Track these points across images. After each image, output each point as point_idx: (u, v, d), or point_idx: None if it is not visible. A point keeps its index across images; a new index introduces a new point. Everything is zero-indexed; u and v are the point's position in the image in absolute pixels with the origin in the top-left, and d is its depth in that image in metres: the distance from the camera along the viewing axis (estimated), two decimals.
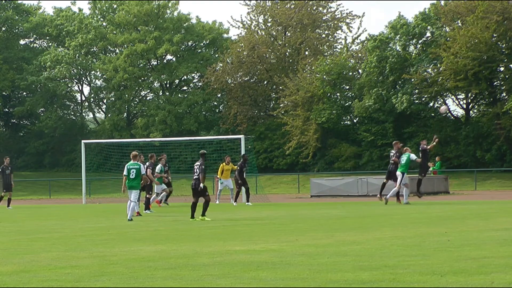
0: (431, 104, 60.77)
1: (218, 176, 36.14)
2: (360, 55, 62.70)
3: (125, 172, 24.01)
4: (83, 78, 79.32)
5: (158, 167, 32.64)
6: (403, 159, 30.41)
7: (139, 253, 13.20)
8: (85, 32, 74.64)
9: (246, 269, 10.61)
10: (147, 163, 28.98)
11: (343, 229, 17.99)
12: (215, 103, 73.90)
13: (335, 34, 68.22)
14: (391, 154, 31.21)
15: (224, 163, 35.69)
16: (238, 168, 34.59)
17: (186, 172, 50.96)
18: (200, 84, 72.99)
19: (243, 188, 35.21)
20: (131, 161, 24.21)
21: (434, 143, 32.35)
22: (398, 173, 30.30)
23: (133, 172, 23.88)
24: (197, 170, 23.23)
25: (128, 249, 13.98)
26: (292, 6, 67.10)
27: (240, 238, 15.98)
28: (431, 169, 51.03)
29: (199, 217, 22.73)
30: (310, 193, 43.74)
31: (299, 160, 62.42)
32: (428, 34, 58.54)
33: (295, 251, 12.86)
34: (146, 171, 26.89)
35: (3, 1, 79.62)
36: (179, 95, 73.31)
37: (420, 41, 58.55)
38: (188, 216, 26.08)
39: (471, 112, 60.59)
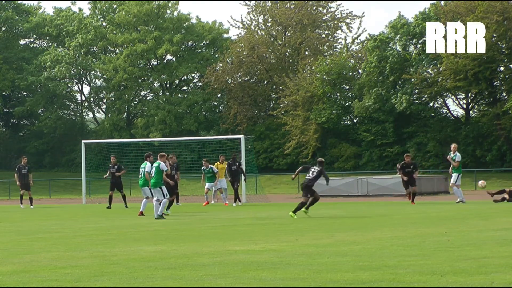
0: (431, 104, 60.81)
1: None
2: (360, 55, 62.72)
3: (148, 170, 24.77)
4: (83, 78, 79.33)
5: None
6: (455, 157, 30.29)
7: (139, 253, 13.20)
8: (84, 32, 74.65)
9: (246, 269, 10.61)
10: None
11: (343, 229, 17.99)
12: (215, 103, 73.94)
13: (335, 34, 68.26)
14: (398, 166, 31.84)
15: (218, 162, 35.64)
16: (227, 166, 34.56)
17: (186, 172, 50.99)
18: (200, 84, 73.02)
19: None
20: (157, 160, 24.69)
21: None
22: (455, 174, 30.10)
23: (153, 170, 24.41)
24: (314, 173, 23.79)
25: (128, 249, 13.97)
26: (292, 6, 67.10)
27: (240, 238, 15.98)
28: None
29: (303, 211, 23.30)
30: None
31: (299, 160, 62.40)
32: None
33: (295, 251, 12.86)
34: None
35: (3, 1, 79.61)
36: (179, 95, 73.35)
37: (420, 41, 58.55)
38: (188, 215, 26.11)
39: (471, 112, 60.62)
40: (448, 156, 31.01)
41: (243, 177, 35.47)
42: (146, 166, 26.38)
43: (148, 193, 26.30)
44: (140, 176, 26.76)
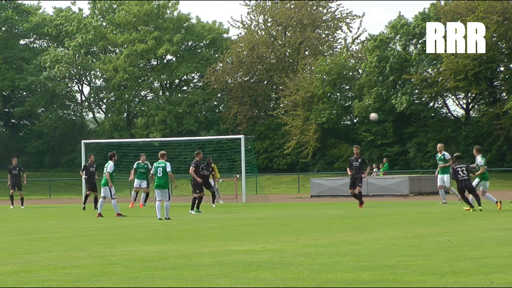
0: (431, 104, 60.82)
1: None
2: (360, 55, 62.70)
3: (152, 171, 24.21)
4: (83, 78, 79.35)
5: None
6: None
7: (139, 253, 13.20)
8: (84, 32, 74.65)
9: (246, 269, 10.61)
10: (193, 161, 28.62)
11: (343, 229, 17.99)
12: (215, 103, 73.94)
13: (335, 34, 68.22)
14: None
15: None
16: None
17: (185, 172, 50.92)
18: (200, 84, 73.03)
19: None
20: (159, 160, 24.06)
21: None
22: (446, 176, 29.29)
23: (159, 170, 23.73)
24: (464, 171, 24.49)
25: (128, 249, 13.97)
26: (292, 6, 67.09)
27: (240, 238, 15.98)
28: (380, 170, 51.34)
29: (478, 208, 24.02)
30: (310, 193, 43.75)
31: (299, 160, 62.40)
32: None
33: (295, 251, 12.86)
34: (190, 169, 27.60)
35: (3, 1, 79.62)
36: (179, 95, 73.33)
37: (420, 41, 58.55)
38: (188, 215, 26.18)
39: (471, 112, 60.63)
40: (443, 163, 29.57)
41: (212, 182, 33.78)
42: (108, 166, 26.33)
43: (107, 194, 26.22)
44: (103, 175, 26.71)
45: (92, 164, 32.89)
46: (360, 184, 29.26)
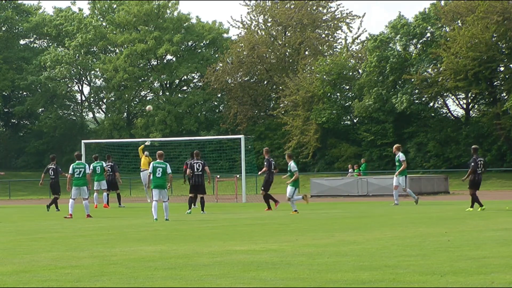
0: (431, 104, 60.83)
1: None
2: (360, 55, 62.72)
3: (150, 170, 23.52)
4: (83, 78, 79.35)
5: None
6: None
7: (139, 253, 13.20)
8: (84, 32, 74.68)
9: (246, 269, 10.61)
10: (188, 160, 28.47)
11: (343, 229, 17.99)
12: (215, 103, 73.96)
13: (335, 34, 68.25)
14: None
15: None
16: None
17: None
18: (200, 84, 73.06)
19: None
20: (157, 160, 23.65)
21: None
22: (402, 177, 29.47)
23: (159, 171, 23.31)
24: (482, 164, 24.82)
25: (128, 249, 13.97)
26: (292, 6, 67.12)
27: (240, 238, 15.98)
28: (355, 171, 51.39)
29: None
30: (310, 193, 43.72)
31: (299, 160, 62.35)
32: (428, 34, 58.58)
33: (295, 251, 12.86)
34: (207, 169, 27.14)
35: (3, 1, 79.62)
36: (179, 95, 73.36)
37: (420, 41, 58.58)
38: (188, 215, 26.13)
39: (471, 112, 60.65)
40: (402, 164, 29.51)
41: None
42: (87, 167, 26.33)
43: (85, 194, 26.21)
44: (78, 176, 26.46)
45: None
46: (262, 188, 28.76)
